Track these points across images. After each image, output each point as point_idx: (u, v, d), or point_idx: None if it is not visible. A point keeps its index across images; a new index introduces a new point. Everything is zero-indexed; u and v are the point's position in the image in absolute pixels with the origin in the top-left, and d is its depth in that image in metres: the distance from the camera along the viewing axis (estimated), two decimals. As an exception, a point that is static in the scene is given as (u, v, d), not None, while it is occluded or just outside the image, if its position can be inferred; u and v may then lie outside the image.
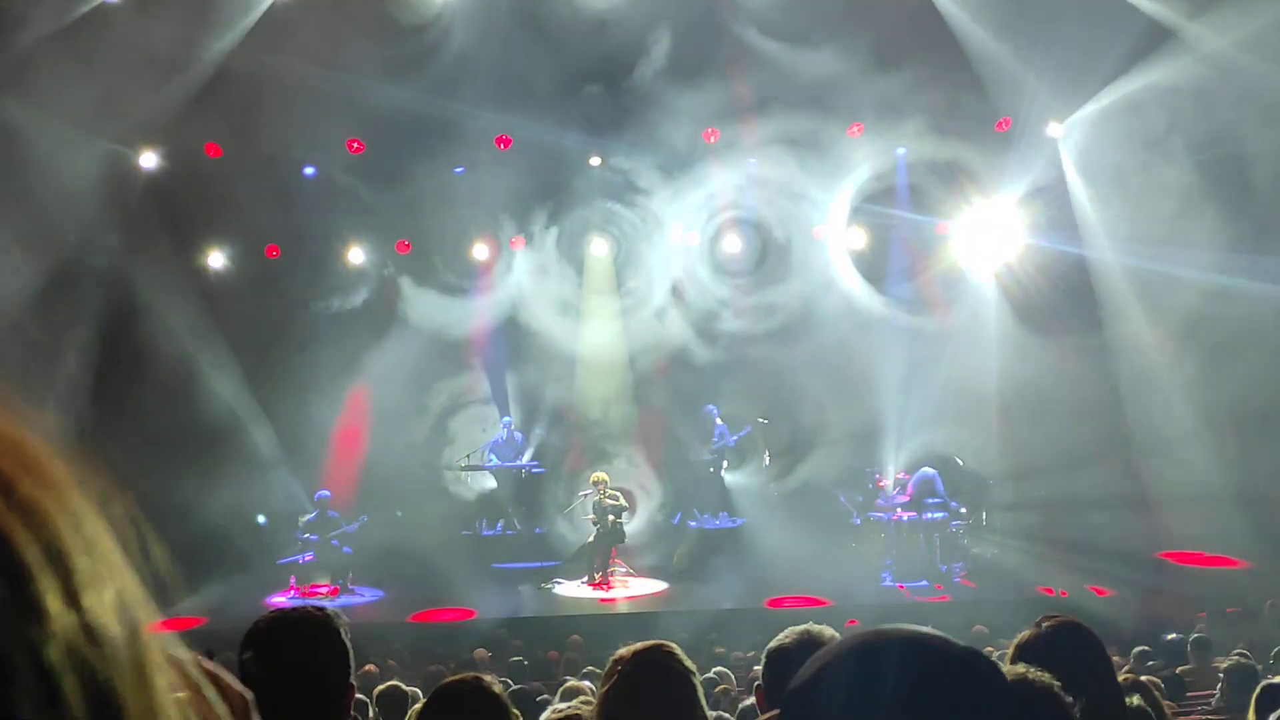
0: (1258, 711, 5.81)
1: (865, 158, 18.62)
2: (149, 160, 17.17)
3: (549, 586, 15.30)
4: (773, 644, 3.00)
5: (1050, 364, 17.49)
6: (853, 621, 11.73)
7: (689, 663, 2.92)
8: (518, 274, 19.19)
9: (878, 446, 17.89)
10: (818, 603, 14.17)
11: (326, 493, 15.44)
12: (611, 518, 15.29)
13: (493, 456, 17.55)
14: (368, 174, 17.98)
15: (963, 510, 15.25)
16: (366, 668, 8.73)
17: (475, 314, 19.07)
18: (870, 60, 16.60)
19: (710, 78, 17.30)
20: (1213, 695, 7.58)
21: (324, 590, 14.93)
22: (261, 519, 17.20)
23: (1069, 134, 17.39)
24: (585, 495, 15.65)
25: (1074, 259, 17.72)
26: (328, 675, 2.71)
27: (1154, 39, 15.72)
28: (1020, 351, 17.73)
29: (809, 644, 2.92)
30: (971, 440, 17.63)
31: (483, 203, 18.78)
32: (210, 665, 1.48)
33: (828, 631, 3.03)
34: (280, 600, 14.84)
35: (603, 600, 14.76)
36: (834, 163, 18.25)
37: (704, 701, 2.91)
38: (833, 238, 19.25)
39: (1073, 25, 15.96)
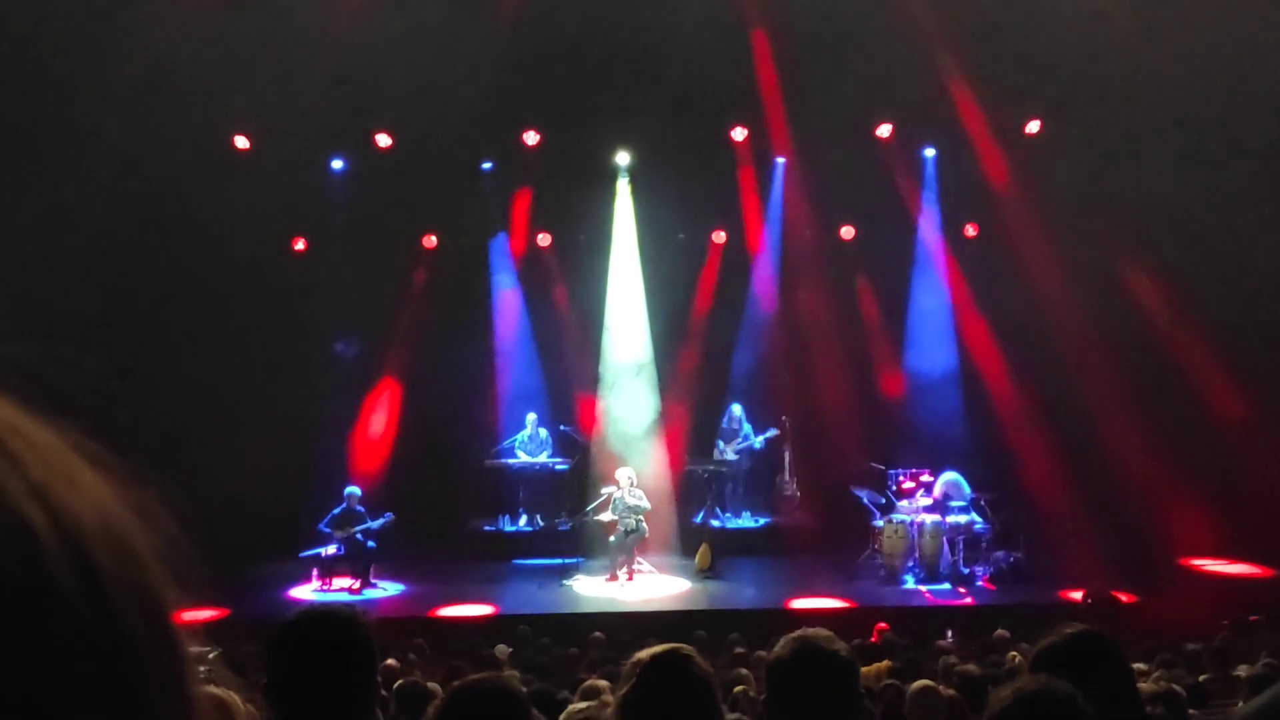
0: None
1: (894, 158, 18.64)
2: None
3: (571, 583, 15.31)
4: (771, 656, 3.00)
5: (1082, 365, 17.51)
6: (882, 626, 11.73)
7: (707, 666, 2.92)
8: (545, 270, 19.25)
9: (902, 448, 17.86)
10: (840, 604, 14.16)
11: (357, 490, 15.51)
12: (635, 516, 15.29)
13: (518, 452, 17.58)
14: (396, 167, 18.05)
15: (987, 513, 15.18)
16: (387, 662, 8.76)
17: (501, 310, 19.14)
18: (899, 60, 16.60)
19: (738, 76, 17.31)
20: (1235, 705, 7.53)
21: (346, 583, 14.99)
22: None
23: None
24: (609, 492, 15.66)
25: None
26: (353, 675, 2.74)
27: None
28: (1050, 354, 17.72)
29: (806, 652, 2.91)
30: (993, 442, 17.60)
31: (510, 198, 18.87)
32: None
33: (823, 633, 3.02)
34: (303, 593, 14.92)
35: (624, 598, 14.77)
36: (861, 162, 18.24)
37: (722, 705, 2.92)
38: (860, 237, 19.26)
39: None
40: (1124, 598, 14.09)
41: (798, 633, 3.02)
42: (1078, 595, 14.09)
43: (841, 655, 2.94)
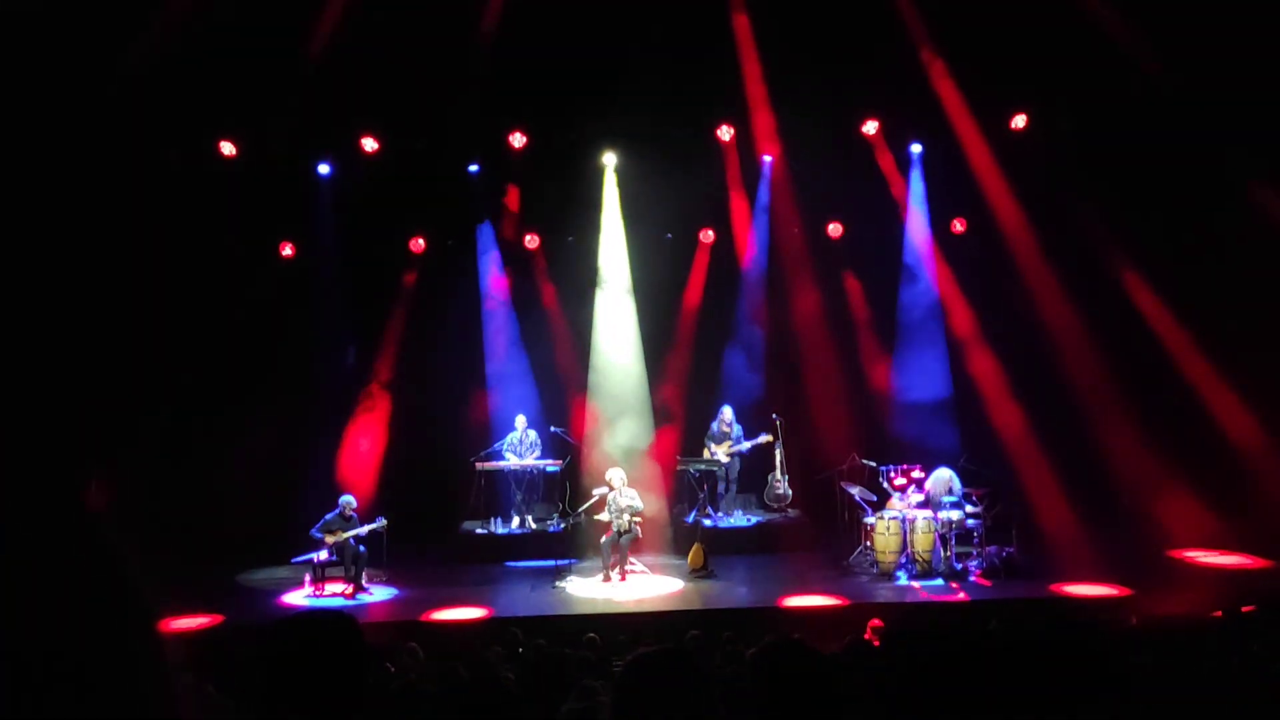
0: None
1: (881, 154, 18.69)
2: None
3: (563, 585, 15.30)
4: (747, 660, 3.01)
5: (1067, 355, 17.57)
6: (876, 622, 11.73)
7: (702, 666, 2.92)
8: (534, 271, 19.26)
9: (894, 444, 17.91)
10: (833, 601, 14.16)
11: (352, 499, 15.48)
12: (627, 516, 15.30)
13: (506, 454, 17.59)
14: (384, 170, 18.03)
15: (979, 508, 15.20)
16: (380, 666, 8.75)
17: (490, 311, 19.14)
18: (883, 53, 16.63)
19: (723, 74, 17.32)
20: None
21: (339, 589, 14.96)
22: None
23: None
24: (601, 493, 15.66)
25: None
26: (346, 680, 2.73)
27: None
28: (1040, 348, 17.78)
29: (779, 656, 2.92)
30: (984, 438, 17.64)
31: (497, 200, 18.87)
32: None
33: (794, 637, 3.04)
34: (295, 598, 14.89)
35: (618, 599, 14.76)
36: (848, 159, 18.29)
37: (717, 704, 2.92)
38: (847, 234, 19.31)
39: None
40: (1116, 590, 14.10)
41: (769, 638, 3.05)
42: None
43: (814, 654, 2.95)
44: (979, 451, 16.87)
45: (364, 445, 18.65)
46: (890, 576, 15.03)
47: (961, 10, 16.23)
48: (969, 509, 15.14)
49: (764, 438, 17.54)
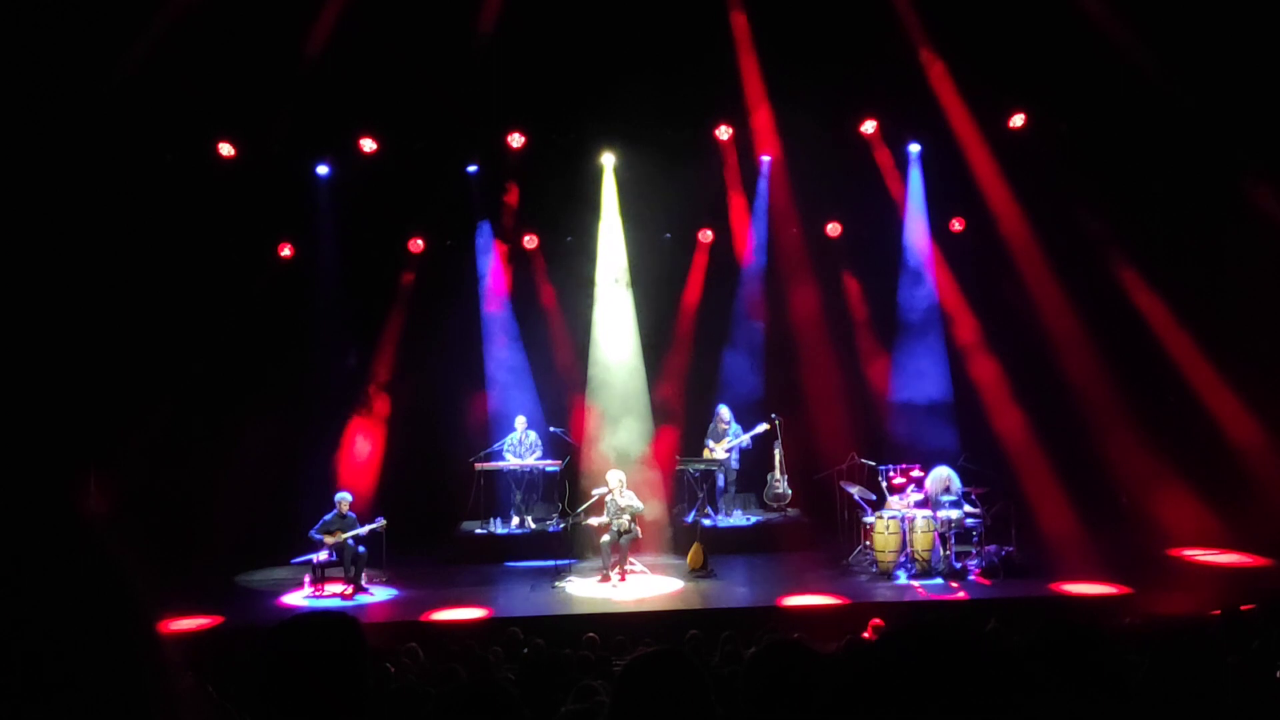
0: None
1: (879, 154, 18.69)
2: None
3: (563, 585, 15.30)
4: (745, 660, 3.01)
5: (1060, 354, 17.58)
6: (877, 622, 11.74)
7: (701, 666, 2.93)
8: (532, 272, 19.26)
9: (893, 443, 17.91)
10: (833, 601, 14.16)
11: (348, 495, 15.48)
12: (626, 517, 15.29)
13: (506, 455, 17.59)
14: (383, 170, 18.02)
15: (978, 507, 15.20)
16: (380, 667, 8.74)
17: (490, 311, 19.14)
18: (881, 53, 16.63)
19: (721, 73, 17.32)
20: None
21: (338, 589, 14.96)
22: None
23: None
24: (600, 494, 15.65)
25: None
26: (346, 681, 2.74)
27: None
28: (1039, 347, 17.78)
29: (786, 652, 2.92)
30: (984, 437, 17.64)
31: (496, 199, 18.87)
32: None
33: (791, 638, 3.05)
34: (295, 599, 14.89)
35: (617, 599, 14.76)
36: (846, 159, 18.29)
37: (716, 705, 2.92)
38: (846, 234, 19.30)
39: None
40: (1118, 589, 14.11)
41: (768, 638, 3.06)
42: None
43: (814, 654, 2.95)
44: (977, 448, 16.87)
45: (363, 446, 18.65)
46: (889, 576, 15.03)
47: (960, 10, 16.21)
48: (968, 508, 15.13)
49: (762, 426, 17.54)
